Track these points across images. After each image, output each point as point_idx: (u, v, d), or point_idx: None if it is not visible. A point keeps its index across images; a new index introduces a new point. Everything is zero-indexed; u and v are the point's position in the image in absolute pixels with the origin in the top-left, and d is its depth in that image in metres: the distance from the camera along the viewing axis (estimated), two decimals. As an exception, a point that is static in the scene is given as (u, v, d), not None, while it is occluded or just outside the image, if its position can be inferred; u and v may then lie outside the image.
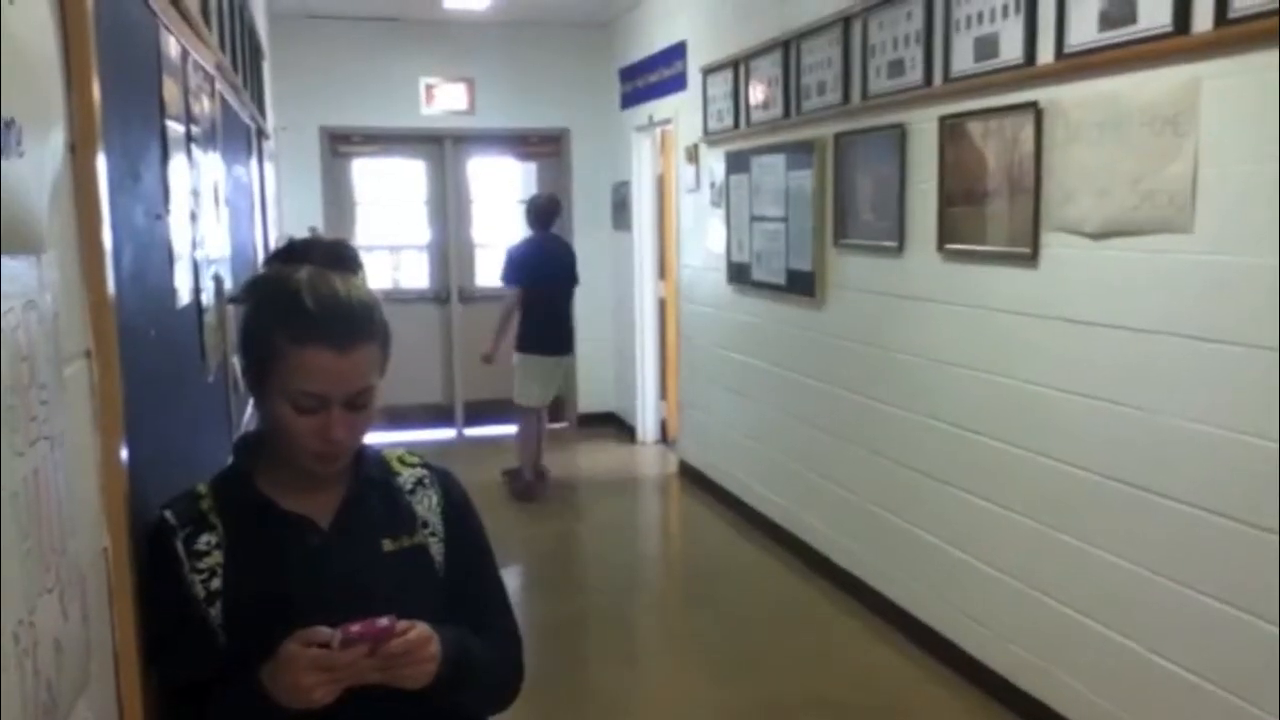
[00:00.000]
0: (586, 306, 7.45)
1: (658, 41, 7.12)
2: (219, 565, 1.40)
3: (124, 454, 1.29)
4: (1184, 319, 2.82)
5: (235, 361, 1.43)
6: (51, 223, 1.02)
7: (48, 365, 0.99)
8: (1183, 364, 2.83)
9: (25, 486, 0.90)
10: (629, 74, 7.81)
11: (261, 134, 5.20)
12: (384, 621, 1.31)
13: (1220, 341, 2.71)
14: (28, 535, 0.90)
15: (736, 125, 5.76)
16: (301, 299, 1.36)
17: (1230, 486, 2.70)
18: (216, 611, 1.39)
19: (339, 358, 1.36)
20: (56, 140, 1.07)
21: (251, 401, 1.50)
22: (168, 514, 1.42)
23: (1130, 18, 2.90)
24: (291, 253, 1.46)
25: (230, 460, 1.54)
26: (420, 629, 1.35)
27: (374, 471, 1.53)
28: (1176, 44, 2.76)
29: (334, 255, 1.45)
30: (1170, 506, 2.89)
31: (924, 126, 3.95)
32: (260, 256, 4.41)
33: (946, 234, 3.83)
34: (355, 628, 1.29)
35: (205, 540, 1.41)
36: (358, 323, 1.39)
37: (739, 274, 5.84)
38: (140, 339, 1.51)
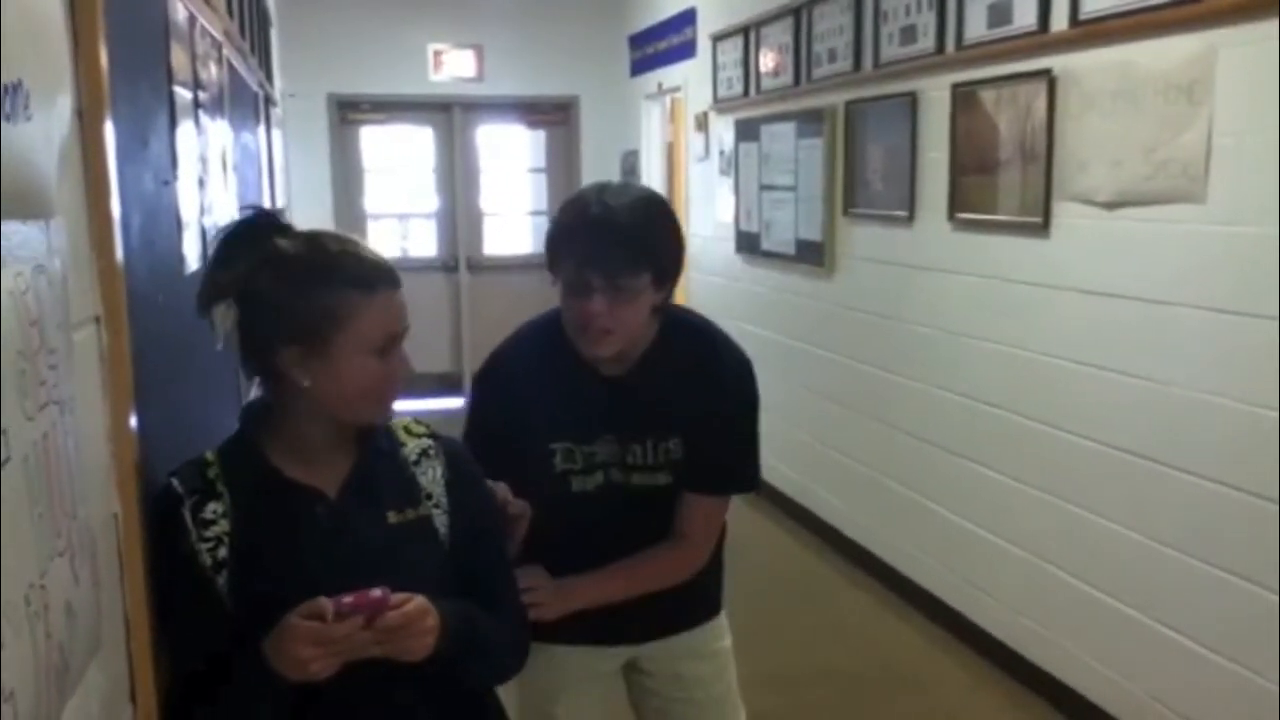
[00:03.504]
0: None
1: (667, 8, 7.06)
2: (226, 534, 1.40)
3: (134, 420, 1.29)
4: (1197, 290, 2.80)
5: (235, 339, 1.42)
6: (60, 188, 1.01)
7: (57, 330, 0.99)
8: (1195, 335, 2.81)
9: (35, 450, 0.90)
10: (638, 41, 7.75)
11: (269, 101, 5.19)
12: (377, 592, 1.31)
13: (1233, 313, 2.69)
14: (38, 499, 0.90)
15: (746, 93, 5.72)
16: (353, 255, 1.43)
17: (1242, 459, 2.69)
18: (223, 580, 1.39)
19: (399, 294, 1.45)
20: (64, 105, 1.07)
21: (257, 380, 1.49)
22: (175, 481, 1.42)
23: (1146, -16, 2.87)
24: (263, 231, 1.46)
25: (238, 428, 1.54)
26: (417, 601, 1.35)
27: (381, 441, 1.53)
28: (1192, 11, 2.72)
29: (280, 225, 1.50)
30: (1182, 479, 2.88)
31: (936, 94, 3.91)
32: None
33: (958, 203, 3.81)
34: (348, 599, 1.29)
35: (212, 509, 1.41)
36: (388, 263, 1.48)
37: (748, 243, 5.82)
38: (149, 305, 1.51)
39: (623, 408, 1.94)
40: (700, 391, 1.95)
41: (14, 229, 0.89)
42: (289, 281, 1.40)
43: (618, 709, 2.17)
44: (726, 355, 2.01)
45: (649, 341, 1.95)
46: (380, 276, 1.43)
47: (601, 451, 1.95)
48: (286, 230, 1.47)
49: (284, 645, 1.30)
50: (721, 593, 2.18)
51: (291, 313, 1.40)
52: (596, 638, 2.03)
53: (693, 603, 2.10)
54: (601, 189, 1.86)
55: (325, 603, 1.29)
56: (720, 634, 2.18)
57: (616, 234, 1.78)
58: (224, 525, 1.40)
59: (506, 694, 2.03)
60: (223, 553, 1.39)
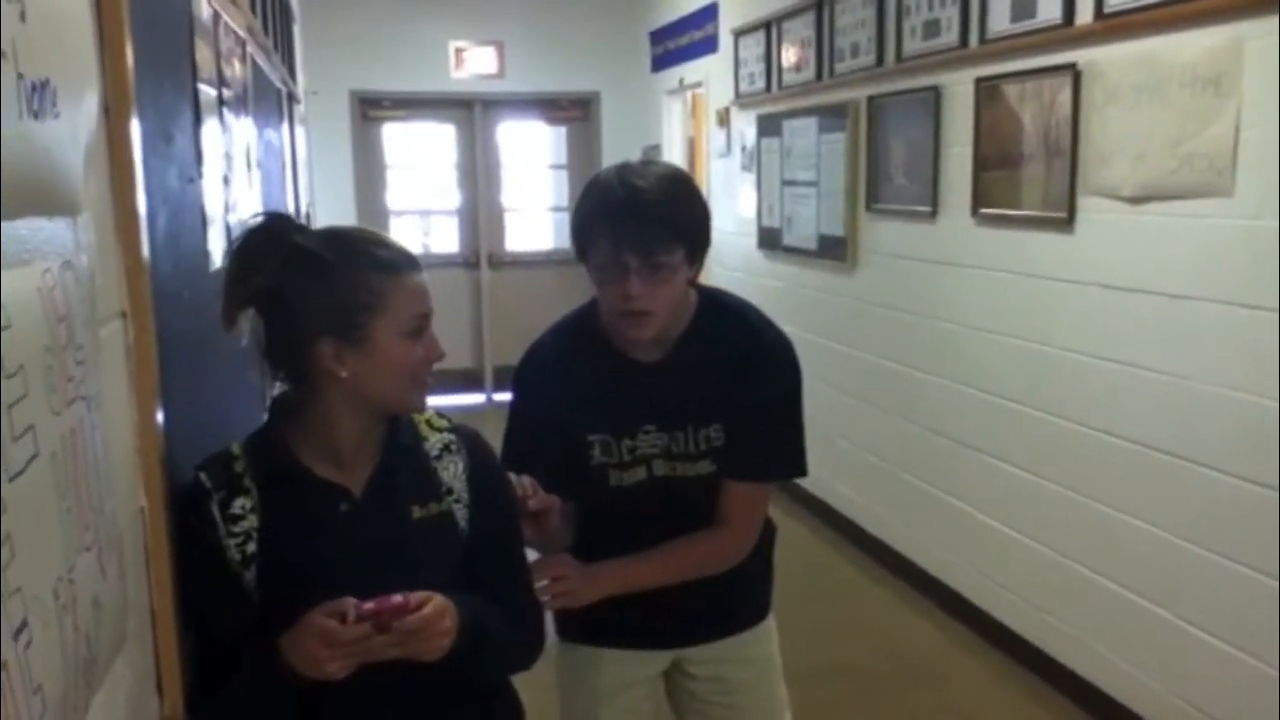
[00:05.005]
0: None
1: (689, 3, 7.05)
2: (254, 529, 1.41)
3: (159, 415, 1.30)
4: (1222, 284, 2.78)
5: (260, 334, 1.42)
6: (86, 185, 1.02)
7: (84, 326, 1.00)
8: (1221, 330, 2.79)
9: (63, 446, 0.91)
10: (660, 36, 7.74)
11: (292, 98, 5.21)
12: (397, 598, 1.32)
13: (1259, 308, 2.66)
14: (66, 494, 0.91)
15: (768, 88, 5.70)
16: (373, 242, 1.46)
17: (1264, 454, 2.66)
18: (251, 575, 1.40)
19: (421, 276, 1.48)
20: (90, 102, 1.08)
21: (291, 378, 1.49)
22: (203, 476, 1.43)
23: (1172, -24, 2.84)
24: (281, 233, 1.46)
25: (265, 420, 1.55)
26: (436, 602, 1.36)
27: (405, 437, 1.54)
28: (1219, 2, 2.70)
29: (296, 225, 1.52)
30: (1205, 474, 2.86)
31: (959, 89, 3.89)
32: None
33: (981, 198, 3.79)
34: (369, 605, 1.31)
35: (240, 504, 1.42)
36: (405, 247, 1.51)
37: (770, 239, 5.81)
38: (174, 301, 1.52)
39: (662, 394, 1.87)
40: (739, 374, 1.88)
41: (42, 225, 0.90)
42: (318, 275, 1.41)
43: (661, 712, 2.13)
44: (766, 335, 1.94)
45: (685, 323, 1.90)
46: (402, 259, 1.46)
47: (644, 445, 1.88)
48: (303, 229, 1.49)
49: (300, 641, 1.32)
50: (770, 597, 2.11)
51: (324, 305, 1.40)
52: (642, 641, 1.99)
53: (740, 606, 2.04)
54: (621, 169, 1.81)
55: (349, 602, 1.31)
56: (768, 638, 2.10)
57: (647, 212, 1.73)
58: (252, 521, 1.41)
59: (549, 695, 2.03)
60: (251, 548, 1.40)
